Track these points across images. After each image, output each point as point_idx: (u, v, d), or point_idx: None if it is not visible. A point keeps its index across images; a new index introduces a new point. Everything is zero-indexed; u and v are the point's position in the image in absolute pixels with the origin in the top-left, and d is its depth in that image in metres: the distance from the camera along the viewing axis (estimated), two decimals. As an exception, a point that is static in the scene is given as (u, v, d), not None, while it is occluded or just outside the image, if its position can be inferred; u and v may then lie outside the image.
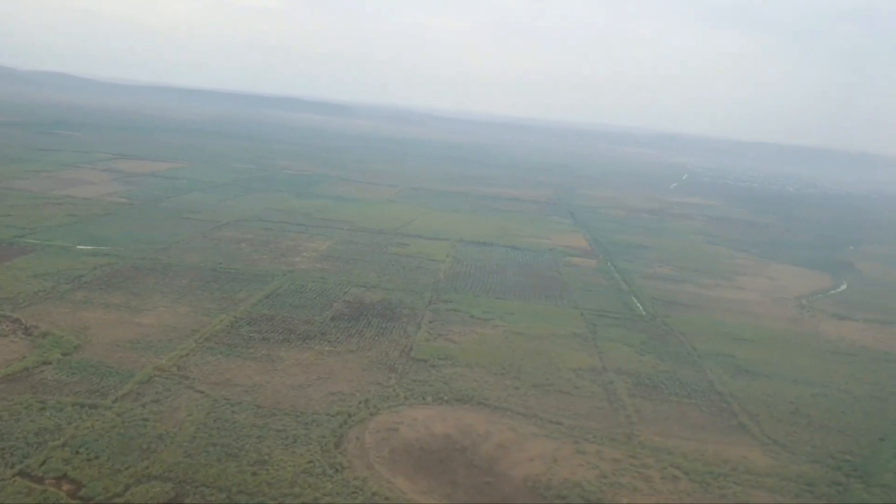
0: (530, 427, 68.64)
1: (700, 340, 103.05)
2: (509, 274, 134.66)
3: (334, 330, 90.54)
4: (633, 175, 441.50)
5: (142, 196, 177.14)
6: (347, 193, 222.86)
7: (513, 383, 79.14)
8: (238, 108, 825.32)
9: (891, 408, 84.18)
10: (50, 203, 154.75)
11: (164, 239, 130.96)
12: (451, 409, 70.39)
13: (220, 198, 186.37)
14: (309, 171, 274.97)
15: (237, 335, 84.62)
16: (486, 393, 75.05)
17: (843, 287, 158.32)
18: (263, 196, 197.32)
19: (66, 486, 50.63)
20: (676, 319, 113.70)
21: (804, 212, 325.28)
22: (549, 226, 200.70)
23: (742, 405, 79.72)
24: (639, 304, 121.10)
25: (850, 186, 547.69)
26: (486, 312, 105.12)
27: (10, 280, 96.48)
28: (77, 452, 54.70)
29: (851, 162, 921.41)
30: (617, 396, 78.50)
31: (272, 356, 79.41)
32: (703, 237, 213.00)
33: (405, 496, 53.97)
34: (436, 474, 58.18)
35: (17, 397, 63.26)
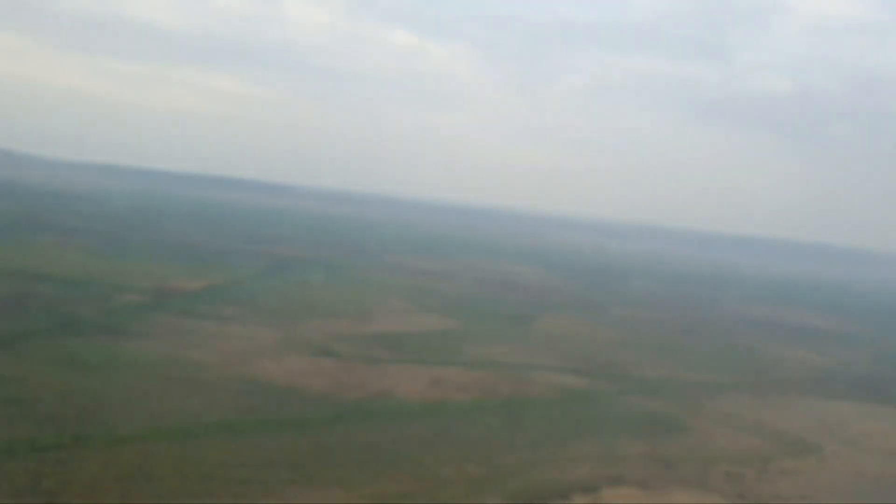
0: None
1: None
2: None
3: None
4: (504, 251, 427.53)
5: None
6: None
7: None
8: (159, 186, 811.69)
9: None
10: None
11: None
12: None
13: None
14: None
15: None
16: None
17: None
18: None
19: None
20: None
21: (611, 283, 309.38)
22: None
23: None
24: None
25: (748, 271, 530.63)
26: None
27: None
28: None
29: (827, 255, 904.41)
30: None
31: None
32: (399, 289, 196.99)
33: None
34: None
35: None
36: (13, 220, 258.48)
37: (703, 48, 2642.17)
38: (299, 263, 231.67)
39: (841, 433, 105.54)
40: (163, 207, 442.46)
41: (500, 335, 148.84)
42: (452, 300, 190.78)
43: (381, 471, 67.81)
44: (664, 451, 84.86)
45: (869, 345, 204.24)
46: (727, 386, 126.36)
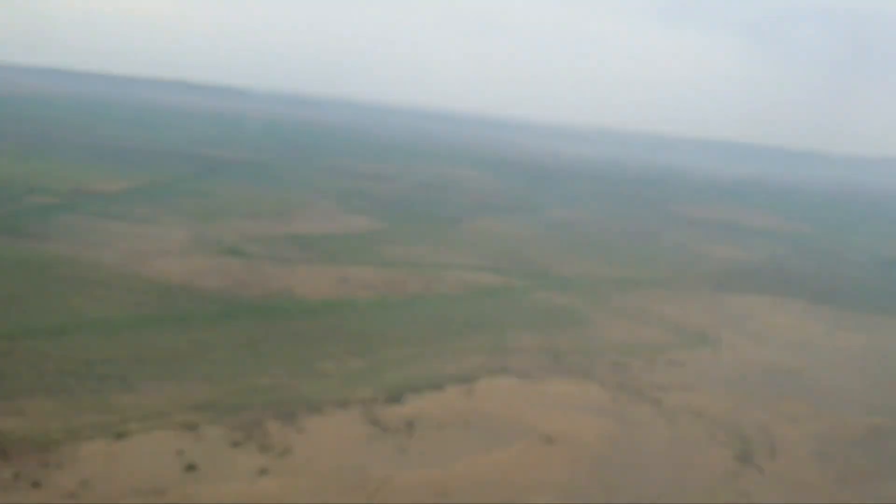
0: None
1: None
2: None
3: None
4: (454, 155, 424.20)
5: None
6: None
7: None
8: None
9: None
10: None
11: None
12: None
13: None
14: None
15: None
16: None
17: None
18: None
19: None
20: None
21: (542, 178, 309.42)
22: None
23: None
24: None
25: (691, 173, 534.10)
26: None
27: None
28: None
29: (798, 160, 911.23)
30: None
31: None
32: (332, 192, 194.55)
33: None
34: None
35: None
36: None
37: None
38: (234, 166, 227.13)
39: (744, 326, 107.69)
40: (105, 111, 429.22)
41: (424, 236, 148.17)
42: (385, 203, 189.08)
43: (257, 366, 67.58)
44: (557, 343, 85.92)
45: (799, 242, 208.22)
46: (643, 282, 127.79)
